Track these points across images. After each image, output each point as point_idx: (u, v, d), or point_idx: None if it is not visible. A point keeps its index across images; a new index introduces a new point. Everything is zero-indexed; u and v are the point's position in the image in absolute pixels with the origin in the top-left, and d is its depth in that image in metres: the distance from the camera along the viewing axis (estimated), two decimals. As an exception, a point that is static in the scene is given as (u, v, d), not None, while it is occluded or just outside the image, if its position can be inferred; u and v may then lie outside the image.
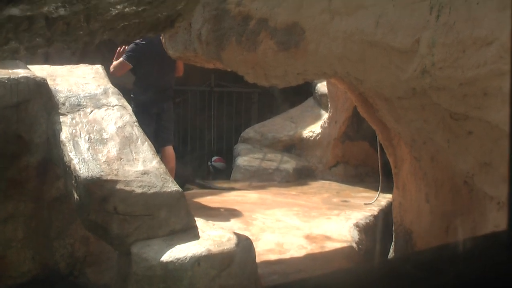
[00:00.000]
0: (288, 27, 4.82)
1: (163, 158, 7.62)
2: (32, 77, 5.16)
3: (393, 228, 6.00)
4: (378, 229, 6.81)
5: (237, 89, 12.41)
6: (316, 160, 9.65)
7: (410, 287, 0.83)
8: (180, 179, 8.40)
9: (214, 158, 11.66)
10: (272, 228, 6.45)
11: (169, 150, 8.05)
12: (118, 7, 2.81)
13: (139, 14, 3.01)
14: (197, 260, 4.24)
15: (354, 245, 6.07)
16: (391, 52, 4.30)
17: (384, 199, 7.48)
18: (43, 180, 5.24)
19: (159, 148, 7.64)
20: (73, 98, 5.31)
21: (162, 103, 7.98)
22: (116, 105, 5.31)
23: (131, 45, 7.83)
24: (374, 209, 7.27)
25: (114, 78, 6.62)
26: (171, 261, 4.23)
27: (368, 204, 7.51)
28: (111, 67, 7.81)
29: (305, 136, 9.87)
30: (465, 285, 0.84)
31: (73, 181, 4.66)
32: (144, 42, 7.62)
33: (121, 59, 7.83)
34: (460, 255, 0.91)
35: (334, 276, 0.84)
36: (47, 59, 7.04)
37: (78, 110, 5.21)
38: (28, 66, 5.46)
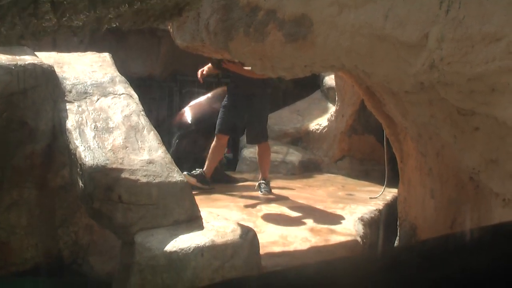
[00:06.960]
0: (296, 19, 4.79)
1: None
2: (39, 64, 5.14)
3: (397, 223, 5.99)
4: (382, 223, 6.80)
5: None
6: (322, 153, 9.63)
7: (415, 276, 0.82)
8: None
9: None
10: (276, 220, 6.43)
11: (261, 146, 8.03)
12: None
13: (146, 1, 3.00)
14: (201, 251, 4.23)
15: (359, 238, 6.05)
16: (399, 46, 4.28)
17: (390, 193, 7.46)
18: (48, 168, 5.24)
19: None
20: (80, 86, 5.30)
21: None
22: (122, 93, 5.30)
23: None
24: (379, 203, 7.25)
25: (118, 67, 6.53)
26: (175, 251, 4.23)
27: (374, 198, 7.50)
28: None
29: (311, 129, 9.85)
30: (472, 276, 0.83)
31: (78, 169, 4.66)
32: None
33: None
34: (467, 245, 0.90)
35: (334, 264, 0.83)
36: (55, 46, 7.05)
37: (85, 98, 5.20)
38: (36, 53, 5.45)
